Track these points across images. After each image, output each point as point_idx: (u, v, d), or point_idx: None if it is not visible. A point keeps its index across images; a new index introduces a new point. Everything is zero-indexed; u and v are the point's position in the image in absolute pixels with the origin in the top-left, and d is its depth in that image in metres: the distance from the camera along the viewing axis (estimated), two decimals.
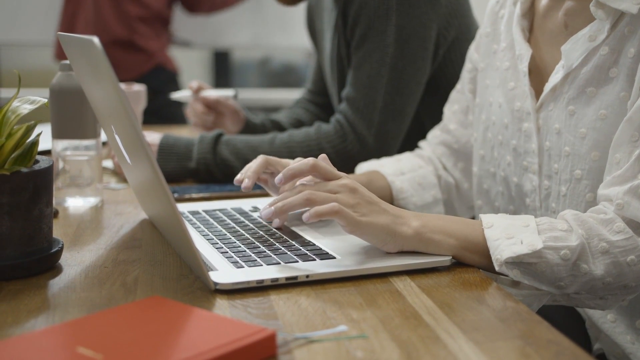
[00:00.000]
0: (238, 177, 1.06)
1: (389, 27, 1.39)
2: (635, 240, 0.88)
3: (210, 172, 1.38)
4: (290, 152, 1.39)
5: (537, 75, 1.08)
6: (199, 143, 1.38)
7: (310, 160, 0.92)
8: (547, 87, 1.04)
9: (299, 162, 0.92)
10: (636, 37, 0.94)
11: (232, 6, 3.14)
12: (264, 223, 1.05)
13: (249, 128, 1.64)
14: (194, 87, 1.66)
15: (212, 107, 1.66)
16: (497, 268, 0.87)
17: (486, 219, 0.91)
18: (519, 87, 1.10)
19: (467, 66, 1.26)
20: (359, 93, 1.41)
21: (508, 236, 0.87)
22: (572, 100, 1.01)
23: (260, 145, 1.39)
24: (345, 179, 0.91)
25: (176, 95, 1.69)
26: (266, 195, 1.25)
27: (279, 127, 1.67)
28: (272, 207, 0.91)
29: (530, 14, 1.11)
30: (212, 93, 1.65)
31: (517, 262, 0.87)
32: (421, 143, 1.34)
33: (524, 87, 1.08)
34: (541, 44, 1.08)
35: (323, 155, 0.98)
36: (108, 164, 1.48)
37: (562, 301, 0.92)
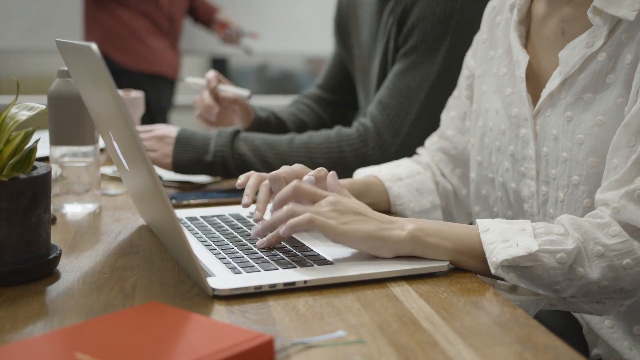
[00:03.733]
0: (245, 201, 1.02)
1: (442, 46, 1.38)
2: (631, 244, 0.88)
3: (226, 166, 1.35)
4: (309, 153, 1.37)
5: (534, 81, 1.08)
6: (217, 137, 1.36)
7: (294, 182, 0.94)
8: (544, 93, 1.04)
9: (283, 189, 0.95)
10: (633, 44, 0.95)
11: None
12: None
13: (255, 123, 1.59)
14: (212, 79, 1.57)
15: (224, 103, 1.59)
16: (492, 271, 0.87)
17: (482, 223, 0.91)
18: (516, 93, 1.10)
19: (464, 72, 1.27)
20: (394, 100, 1.39)
21: (504, 239, 0.88)
22: (569, 106, 1.01)
23: (279, 144, 1.37)
24: (330, 197, 0.93)
25: (190, 80, 1.63)
26: None
27: (282, 123, 1.64)
28: (260, 224, 0.96)
29: (527, 20, 1.12)
30: (229, 89, 1.60)
31: (513, 266, 0.87)
32: (419, 150, 1.34)
33: (521, 93, 1.08)
34: (538, 50, 1.09)
35: (321, 169, 1.00)
36: (106, 170, 1.48)
37: (559, 305, 0.92)
